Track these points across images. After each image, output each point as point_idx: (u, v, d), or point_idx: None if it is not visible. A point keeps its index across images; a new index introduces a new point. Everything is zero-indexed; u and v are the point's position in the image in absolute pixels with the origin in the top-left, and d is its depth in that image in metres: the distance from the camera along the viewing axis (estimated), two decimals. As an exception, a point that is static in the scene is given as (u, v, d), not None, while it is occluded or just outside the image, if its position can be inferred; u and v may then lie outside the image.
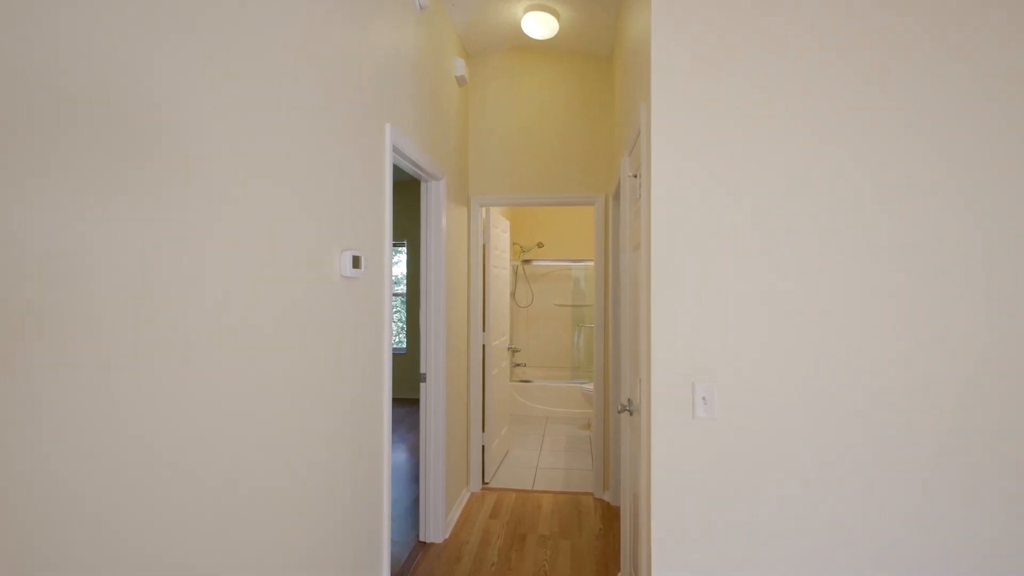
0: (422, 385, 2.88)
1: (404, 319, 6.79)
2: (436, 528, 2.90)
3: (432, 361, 2.88)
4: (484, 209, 3.73)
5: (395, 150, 2.16)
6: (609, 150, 3.50)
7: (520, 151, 3.58)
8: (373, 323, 1.90)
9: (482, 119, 3.63)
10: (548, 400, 5.59)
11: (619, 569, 2.64)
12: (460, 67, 3.19)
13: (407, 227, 6.60)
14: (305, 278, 1.41)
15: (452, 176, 3.17)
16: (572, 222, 6.21)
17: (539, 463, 4.21)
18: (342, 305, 1.64)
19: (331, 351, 1.56)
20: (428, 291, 2.90)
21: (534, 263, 5.88)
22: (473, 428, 3.59)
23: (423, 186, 2.91)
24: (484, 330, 3.74)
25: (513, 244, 6.19)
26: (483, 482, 3.75)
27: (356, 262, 1.68)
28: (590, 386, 5.10)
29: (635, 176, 2.06)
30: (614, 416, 3.29)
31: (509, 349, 4.49)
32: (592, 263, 5.97)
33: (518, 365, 6.12)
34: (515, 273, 6.27)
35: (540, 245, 6.15)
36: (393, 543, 2.90)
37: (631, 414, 2.17)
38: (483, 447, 3.77)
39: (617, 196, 3.04)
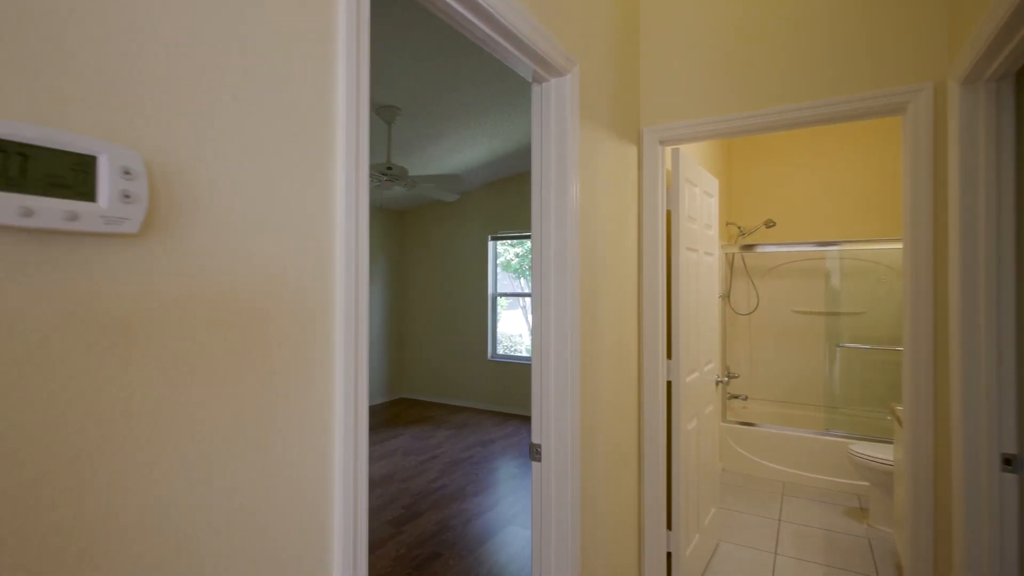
0: (534, 465, 1.54)
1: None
2: None
3: (551, 423, 1.52)
4: (668, 150, 2.22)
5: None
6: (944, -13, 1.63)
7: (738, 31, 1.95)
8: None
9: (663, -5, 2.11)
10: (785, 455, 3.65)
11: None
12: None
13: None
14: None
15: (596, 76, 1.75)
16: (827, 180, 4.09)
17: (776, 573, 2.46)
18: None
19: None
20: (543, 294, 1.56)
21: (759, 249, 4.00)
22: (649, 524, 2.10)
23: (533, 93, 1.58)
24: (669, 357, 2.21)
25: (727, 224, 4.36)
26: (669, 613, 2.21)
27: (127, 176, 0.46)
28: (863, 448, 3.03)
29: None
30: (972, 487, 1.44)
31: (720, 382, 2.82)
32: (857, 246, 3.79)
33: (734, 397, 4.27)
34: (729, 264, 4.43)
35: (770, 224, 4.19)
36: None
37: None
38: (668, 554, 2.24)
39: (979, 78, 1.24)
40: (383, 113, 3.57)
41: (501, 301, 6.26)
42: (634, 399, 2.06)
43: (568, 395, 1.51)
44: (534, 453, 1.54)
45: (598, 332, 1.74)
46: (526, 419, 5.45)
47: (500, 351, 6.04)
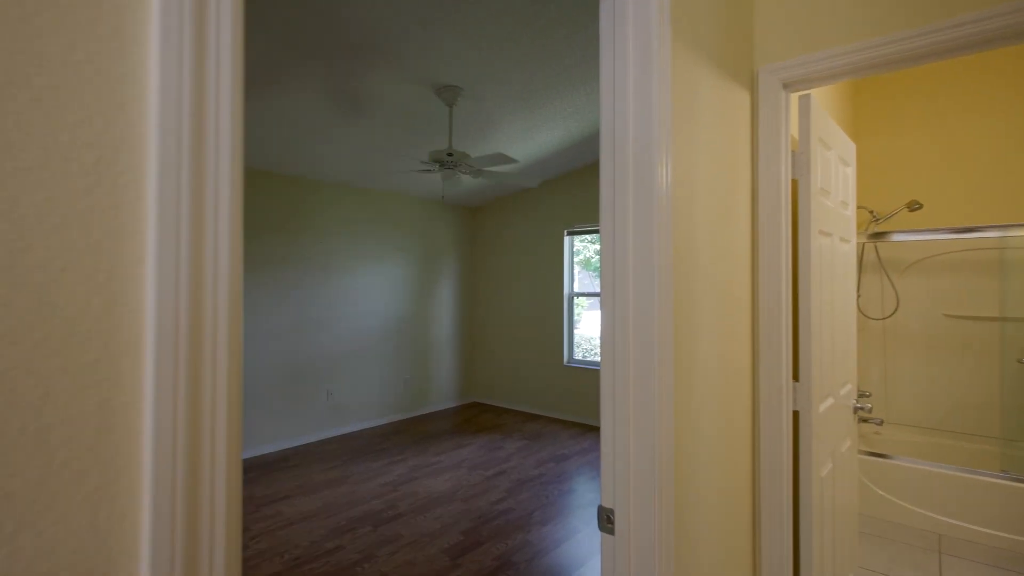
0: (604, 539, 1.08)
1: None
2: None
3: (629, 481, 1.05)
4: (795, 98, 1.65)
5: None
6: None
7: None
8: None
9: None
10: (941, 500, 2.85)
11: None
12: None
13: (671, 201, 4.69)
14: None
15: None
16: (990, 148, 3.18)
17: None
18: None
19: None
20: (615, 303, 1.10)
21: (896, 238, 3.19)
22: (768, 605, 1.54)
23: (602, 7, 1.12)
24: (796, 378, 1.64)
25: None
26: None
27: None
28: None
29: None
30: None
31: (859, 409, 2.16)
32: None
33: (865, 421, 3.46)
34: (859, 257, 3.63)
35: (914, 206, 3.34)
36: None
37: None
38: (795, 645, 1.66)
39: None
40: (444, 95, 3.24)
41: (579, 301, 5.78)
42: (745, 439, 1.52)
43: (655, 441, 1.04)
44: (604, 521, 1.08)
45: (696, 352, 1.24)
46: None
47: (578, 355, 5.55)
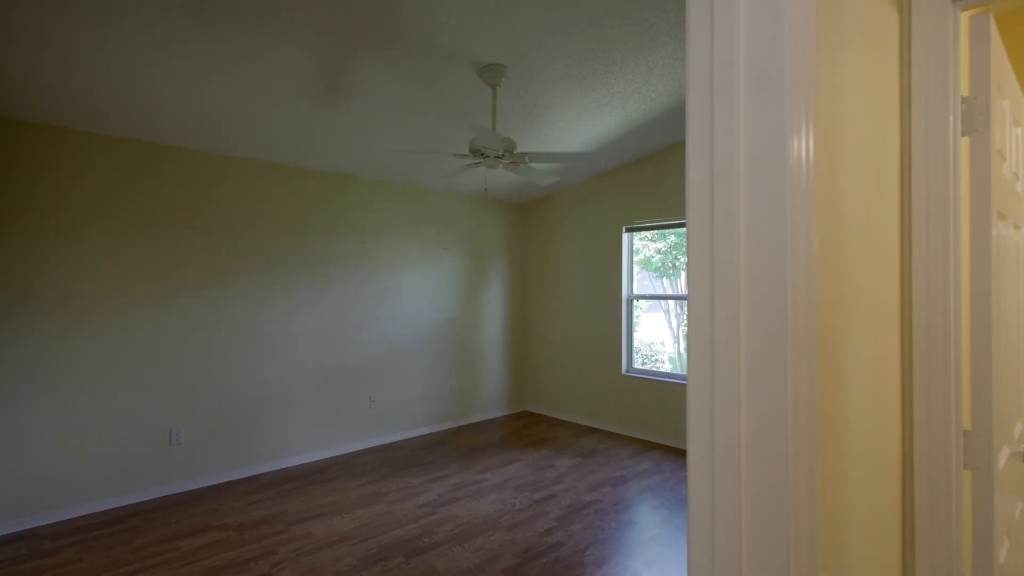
0: None
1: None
2: None
3: (739, 567, 0.64)
4: (965, 20, 1.16)
5: None
6: None
7: None
8: None
9: None
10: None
11: None
12: None
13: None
14: None
15: None
16: None
17: None
18: None
19: None
20: (714, 331, 0.68)
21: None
22: None
23: None
24: (969, 426, 1.14)
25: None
26: None
27: None
28: None
29: None
30: None
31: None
32: None
33: None
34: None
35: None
36: None
37: None
38: None
39: None
40: (486, 75, 2.89)
41: (639, 304, 5.28)
42: (894, 509, 1.05)
43: (787, 518, 0.62)
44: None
45: (838, 396, 0.80)
46: (669, 450, 4.41)
47: (637, 363, 5.06)
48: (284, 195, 4.01)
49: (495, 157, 2.96)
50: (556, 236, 5.59)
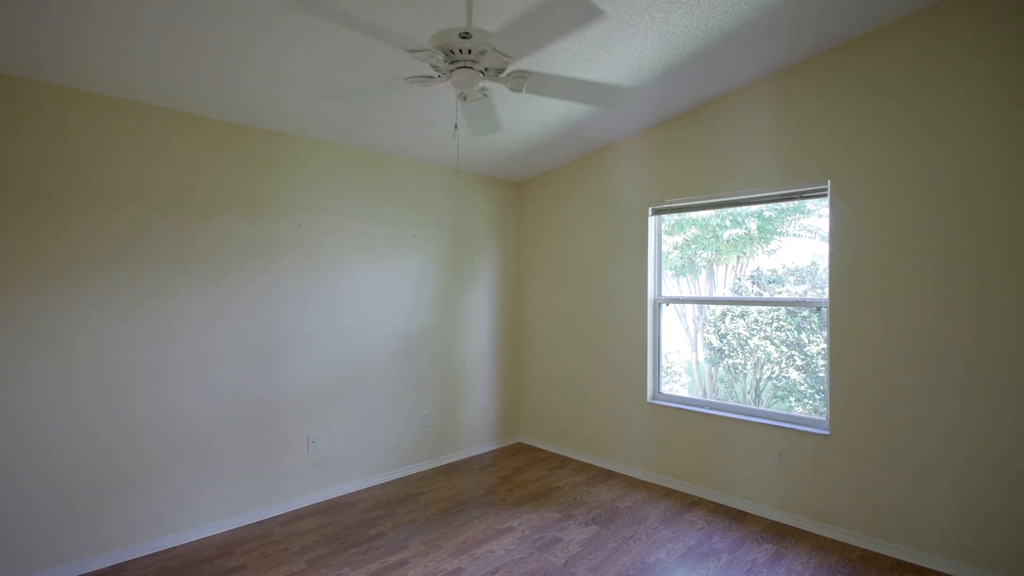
0: None
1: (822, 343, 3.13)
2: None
3: None
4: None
5: None
6: None
7: None
8: None
9: None
10: None
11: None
12: None
13: (842, 153, 2.93)
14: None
15: None
16: None
17: None
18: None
19: None
20: None
21: None
22: None
23: None
24: None
25: None
26: None
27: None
28: None
29: None
30: None
31: None
32: None
33: None
34: None
35: None
36: None
37: None
38: None
39: None
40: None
41: (666, 310, 4.09)
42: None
43: None
44: None
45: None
46: (718, 510, 3.22)
47: (666, 388, 3.88)
48: (169, 154, 2.78)
49: (472, 68, 1.76)
50: (561, 221, 4.39)
